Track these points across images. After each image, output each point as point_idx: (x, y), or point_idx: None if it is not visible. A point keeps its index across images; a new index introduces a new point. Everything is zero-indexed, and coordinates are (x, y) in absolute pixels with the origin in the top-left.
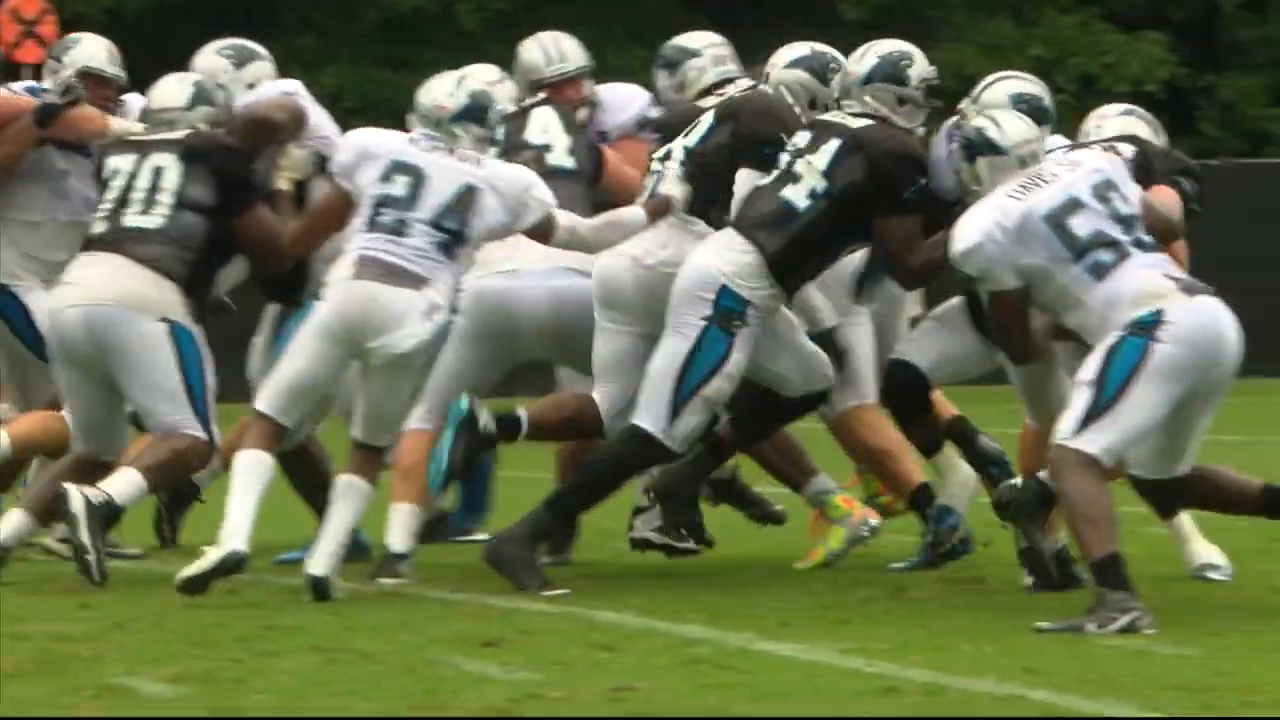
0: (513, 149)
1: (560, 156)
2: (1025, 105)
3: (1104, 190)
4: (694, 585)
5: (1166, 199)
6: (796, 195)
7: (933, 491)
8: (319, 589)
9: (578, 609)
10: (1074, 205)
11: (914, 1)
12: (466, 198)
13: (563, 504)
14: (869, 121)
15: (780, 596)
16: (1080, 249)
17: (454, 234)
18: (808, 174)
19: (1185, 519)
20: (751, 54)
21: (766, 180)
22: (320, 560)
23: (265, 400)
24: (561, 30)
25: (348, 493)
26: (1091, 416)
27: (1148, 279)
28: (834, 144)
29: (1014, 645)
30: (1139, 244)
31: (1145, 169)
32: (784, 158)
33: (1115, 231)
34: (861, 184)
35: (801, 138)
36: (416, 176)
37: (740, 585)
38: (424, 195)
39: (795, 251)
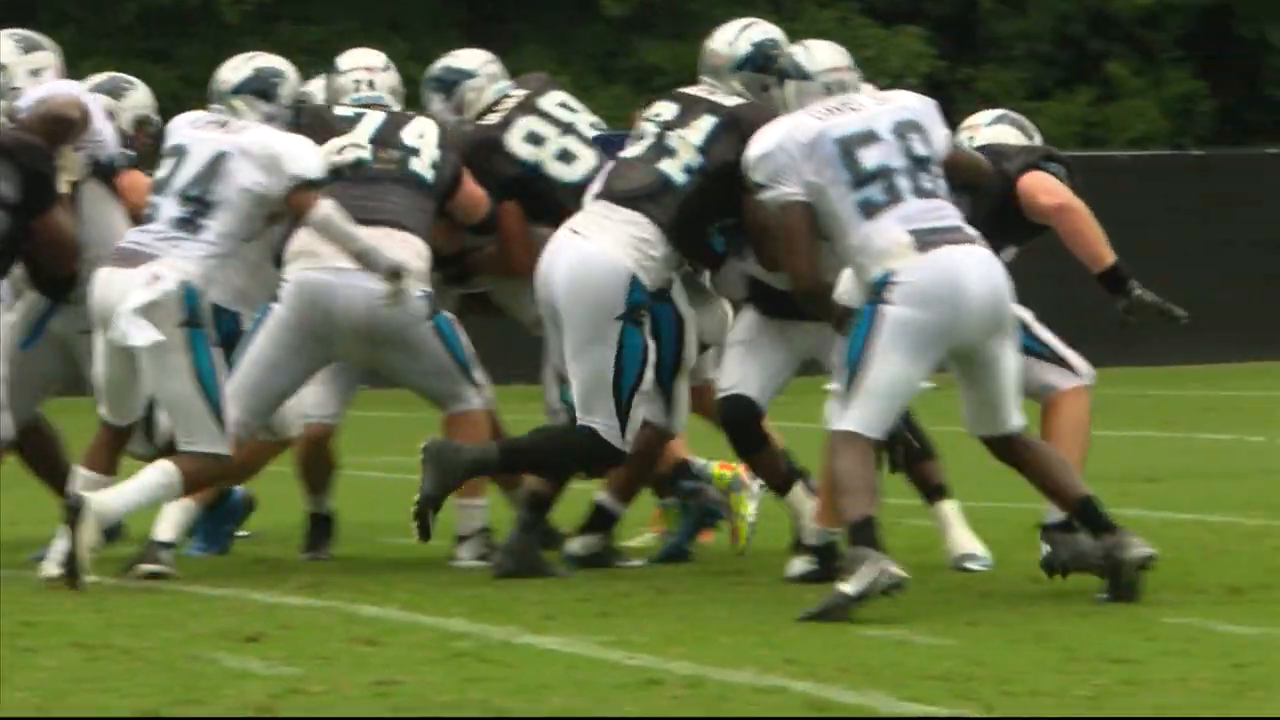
0: (381, 143)
1: (422, 165)
2: None
3: (905, 129)
4: (457, 579)
5: (1037, 183)
6: (673, 169)
7: (691, 467)
8: (72, 503)
9: (340, 603)
10: (870, 137)
11: None
12: (216, 164)
13: (509, 454)
14: (740, 100)
15: (543, 590)
16: (861, 179)
17: (197, 201)
18: (683, 149)
19: (950, 507)
20: (514, 47)
21: (635, 152)
22: (100, 494)
23: (101, 408)
24: (321, 24)
25: (155, 469)
26: (849, 395)
27: (891, 236)
28: (709, 120)
29: (775, 637)
30: (919, 190)
31: (1001, 173)
32: (650, 128)
33: (902, 170)
34: (736, 162)
35: (667, 109)
36: (180, 155)
37: (503, 579)
38: (179, 172)
39: (681, 225)
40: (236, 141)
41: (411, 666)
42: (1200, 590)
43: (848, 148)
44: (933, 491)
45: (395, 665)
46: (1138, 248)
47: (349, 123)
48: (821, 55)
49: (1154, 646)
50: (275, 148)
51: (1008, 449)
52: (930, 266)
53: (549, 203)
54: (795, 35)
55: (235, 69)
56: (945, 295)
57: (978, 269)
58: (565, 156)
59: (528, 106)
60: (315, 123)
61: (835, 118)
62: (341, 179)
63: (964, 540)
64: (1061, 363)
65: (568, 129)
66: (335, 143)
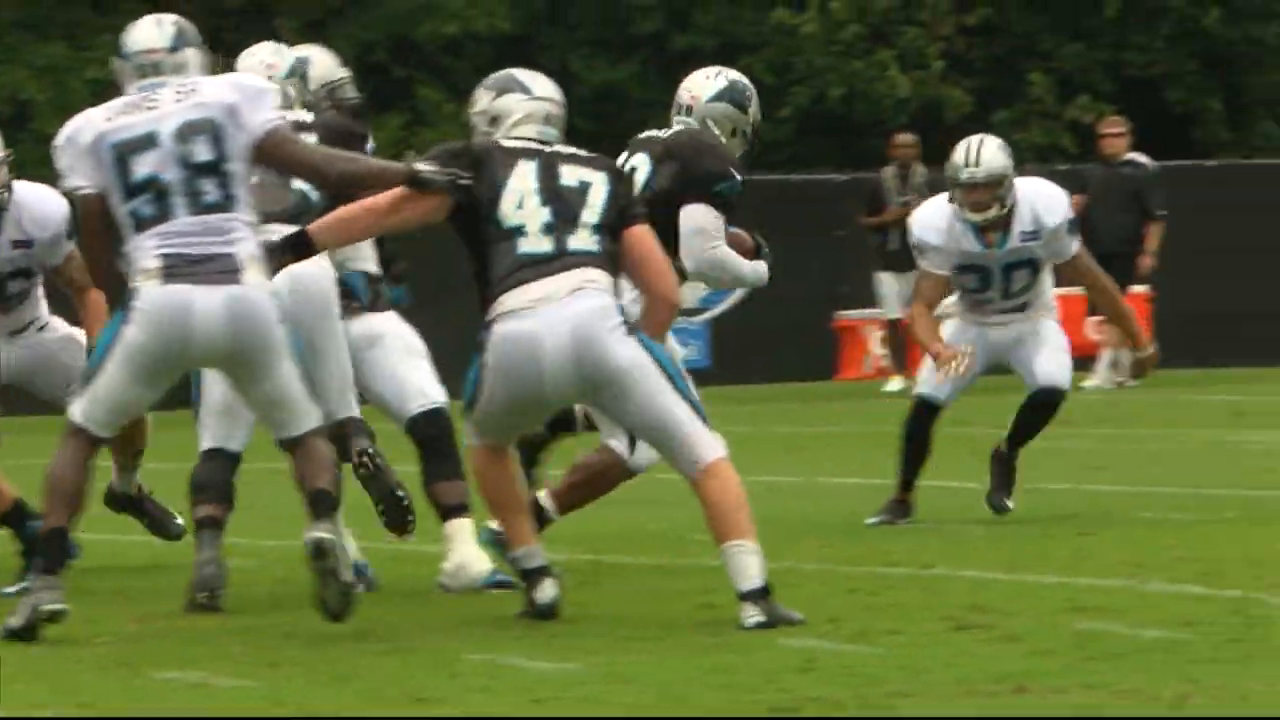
0: None
1: None
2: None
3: (190, 131)
4: None
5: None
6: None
7: (25, 508)
8: None
9: None
10: (148, 142)
11: None
12: None
13: None
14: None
15: None
16: (131, 190)
17: None
18: None
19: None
20: None
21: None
22: None
23: None
24: None
25: None
26: (84, 382)
27: (145, 259)
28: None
29: (69, 681)
30: (197, 203)
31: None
32: None
33: (177, 181)
34: None
35: None
36: None
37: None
38: None
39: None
40: None
41: None
42: (502, 626)
43: (122, 154)
44: (449, 510)
45: None
46: None
47: None
48: (139, 35)
49: (456, 684)
50: None
51: (291, 451)
52: (161, 300)
53: None
54: (93, 63)
55: None
56: (169, 332)
57: (204, 308)
58: None
59: None
60: None
61: (123, 119)
62: None
63: (472, 557)
64: (705, 424)
65: None
66: None
